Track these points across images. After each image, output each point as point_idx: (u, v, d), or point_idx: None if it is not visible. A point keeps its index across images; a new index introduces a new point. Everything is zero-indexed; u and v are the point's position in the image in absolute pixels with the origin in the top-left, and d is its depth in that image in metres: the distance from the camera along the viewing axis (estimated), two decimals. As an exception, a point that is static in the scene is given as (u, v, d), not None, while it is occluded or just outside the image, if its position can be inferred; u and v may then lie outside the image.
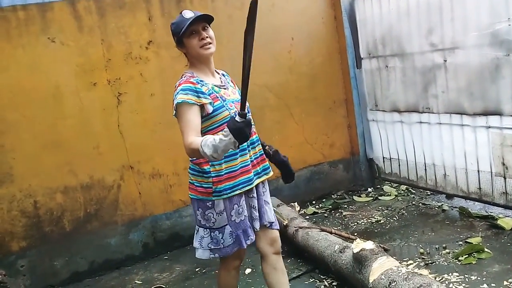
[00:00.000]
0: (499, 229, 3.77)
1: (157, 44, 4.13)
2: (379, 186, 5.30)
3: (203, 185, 2.34)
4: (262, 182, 2.50)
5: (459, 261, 3.35)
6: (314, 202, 5.06)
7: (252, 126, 2.32)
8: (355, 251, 2.92)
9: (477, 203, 4.26)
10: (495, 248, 3.46)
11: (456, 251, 3.48)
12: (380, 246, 3.38)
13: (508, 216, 3.93)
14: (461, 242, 3.64)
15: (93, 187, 3.97)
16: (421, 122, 4.48)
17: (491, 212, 4.08)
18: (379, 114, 5.03)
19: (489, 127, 3.82)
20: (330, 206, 4.88)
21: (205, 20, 2.30)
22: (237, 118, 1.95)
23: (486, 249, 3.41)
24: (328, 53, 5.11)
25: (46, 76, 3.76)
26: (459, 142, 4.12)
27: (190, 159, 2.37)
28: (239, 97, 2.28)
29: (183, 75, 2.33)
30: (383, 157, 5.13)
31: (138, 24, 4.05)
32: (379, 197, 4.98)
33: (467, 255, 3.38)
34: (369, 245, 2.93)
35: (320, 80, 5.04)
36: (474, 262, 3.30)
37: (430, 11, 4.08)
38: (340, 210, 4.78)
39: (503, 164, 3.77)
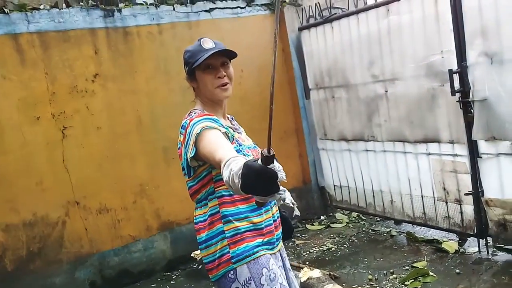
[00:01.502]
0: (443, 253, 3.89)
1: (103, 77, 4.11)
2: (331, 213, 5.38)
3: (217, 255, 1.83)
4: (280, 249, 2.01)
5: (405, 285, 3.43)
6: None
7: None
8: (302, 280, 2.95)
9: (423, 227, 4.39)
10: (440, 272, 3.56)
11: (403, 276, 3.56)
12: (328, 274, 3.43)
13: (451, 240, 4.06)
14: (407, 267, 3.73)
15: (36, 224, 3.82)
16: (367, 150, 4.63)
17: (436, 236, 4.20)
18: (328, 143, 5.15)
19: (430, 153, 3.98)
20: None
21: (227, 55, 1.91)
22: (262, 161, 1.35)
23: (431, 273, 3.52)
24: (278, 84, 5.22)
25: (-14, 111, 3.65)
26: (403, 168, 4.27)
27: (196, 228, 1.90)
28: (253, 144, 2.00)
29: (191, 112, 1.91)
30: (334, 185, 5.23)
31: (84, 57, 4.03)
32: (331, 225, 5.05)
33: (413, 280, 3.47)
34: (316, 273, 2.96)
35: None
36: (419, 287, 3.39)
37: (370, 44, 4.27)
38: (293, 239, 4.80)
39: (444, 189, 3.93)
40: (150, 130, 4.29)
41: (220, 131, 1.78)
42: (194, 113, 1.88)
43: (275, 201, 1.38)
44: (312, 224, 5.15)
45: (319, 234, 4.84)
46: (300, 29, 5.18)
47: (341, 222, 5.07)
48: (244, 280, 1.79)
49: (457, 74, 3.50)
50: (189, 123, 1.81)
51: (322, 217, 5.33)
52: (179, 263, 4.43)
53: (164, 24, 4.44)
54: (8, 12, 3.74)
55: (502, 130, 3.33)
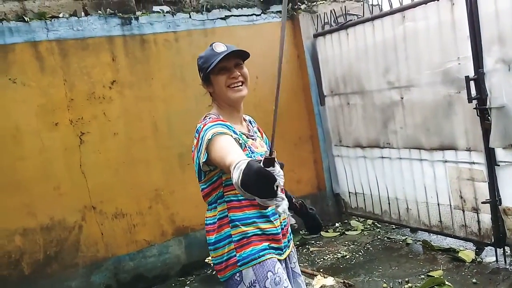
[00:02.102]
0: (460, 262, 3.84)
1: (121, 84, 4.17)
2: (346, 220, 5.34)
3: (225, 257, 1.87)
4: (289, 255, 2.05)
5: (420, 295, 3.38)
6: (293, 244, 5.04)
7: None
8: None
9: (439, 236, 4.33)
10: (456, 281, 3.51)
11: (418, 285, 3.51)
12: (343, 282, 3.41)
13: (468, 249, 4.00)
14: (423, 276, 3.68)
15: (53, 229, 3.88)
16: (382, 157, 4.59)
17: (452, 245, 4.15)
18: (343, 150, 5.13)
19: (446, 161, 3.94)
20: (298, 242, 4.88)
21: (240, 56, 1.94)
22: (264, 163, 1.37)
23: (447, 282, 3.46)
24: (292, 90, 5.23)
25: (5, 117, 3.73)
26: (419, 176, 4.23)
27: (206, 230, 1.94)
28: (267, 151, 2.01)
29: (206, 116, 1.94)
30: (349, 192, 5.20)
31: (102, 64, 4.09)
32: (346, 232, 5.02)
33: (428, 289, 3.42)
34: (330, 281, 2.95)
35: (285, 117, 5.13)
36: (435, 296, 3.34)
37: (386, 51, 4.26)
38: (307, 246, 4.78)
39: (461, 197, 3.87)
40: (165, 136, 4.33)
41: (232, 136, 1.79)
42: (209, 118, 1.91)
43: (273, 208, 1.38)
44: (327, 231, 5.13)
45: (334, 241, 4.81)
46: (315, 35, 5.18)
47: (356, 230, 5.04)
48: (249, 283, 1.83)
49: (474, 81, 3.46)
50: (203, 128, 1.84)
51: (336, 224, 5.30)
52: (194, 268, 4.45)
53: (180, 32, 4.50)
54: (28, 20, 3.82)
55: (520, 138, 3.28)
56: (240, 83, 1.92)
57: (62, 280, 3.91)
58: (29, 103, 3.82)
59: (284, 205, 1.41)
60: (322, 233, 5.08)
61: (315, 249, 4.67)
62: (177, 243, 4.40)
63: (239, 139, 1.87)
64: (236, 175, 1.45)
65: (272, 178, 1.34)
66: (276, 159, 1.41)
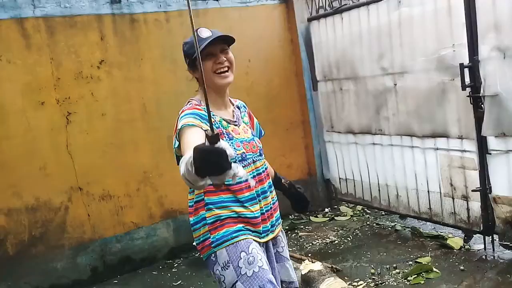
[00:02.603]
0: (448, 249, 3.84)
1: (109, 64, 4.08)
2: (336, 206, 5.34)
3: (201, 239, 1.92)
4: (274, 239, 2.04)
5: (408, 281, 3.39)
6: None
7: (264, 168, 2.00)
8: (303, 272, 2.92)
9: (428, 223, 4.34)
10: (444, 268, 3.52)
11: (406, 271, 3.52)
12: (330, 266, 3.40)
13: (457, 236, 4.01)
14: (411, 262, 3.69)
15: (39, 209, 3.82)
16: (374, 144, 4.57)
17: (441, 232, 4.16)
18: (335, 136, 5.10)
19: (437, 149, 3.92)
20: (287, 227, 4.87)
21: (225, 41, 1.94)
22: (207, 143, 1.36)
23: (434, 269, 3.47)
24: (285, 75, 5.17)
25: (-10, 95, 3.64)
26: (410, 163, 4.21)
27: (188, 211, 1.96)
28: (252, 136, 2.02)
29: (188, 101, 1.98)
30: (340, 178, 5.19)
31: (90, 43, 4.00)
32: (335, 218, 5.01)
33: (416, 275, 3.43)
34: (317, 266, 2.93)
35: (277, 102, 5.08)
36: (422, 282, 3.35)
37: (380, 37, 4.20)
38: (296, 231, 4.77)
39: (451, 185, 3.87)
40: (155, 118, 4.26)
41: (202, 128, 1.78)
42: (189, 104, 1.95)
43: (231, 179, 1.36)
44: (316, 216, 5.12)
45: (323, 227, 4.81)
46: (310, 20, 5.11)
47: (346, 215, 5.04)
48: (223, 263, 1.86)
49: (468, 68, 3.42)
50: (180, 114, 1.89)
51: (326, 210, 5.29)
52: (181, 251, 4.43)
53: (172, 12, 4.40)
54: (15, -5, 3.71)
55: (512, 127, 3.26)
56: (226, 68, 1.93)
57: (48, 261, 3.87)
58: (14, 81, 3.72)
59: (240, 168, 1.39)
60: (312, 218, 5.08)
61: (304, 234, 4.67)
62: (165, 226, 4.37)
63: (219, 127, 1.89)
64: (182, 168, 1.43)
65: (224, 152, 1.31)
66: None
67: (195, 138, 1.72)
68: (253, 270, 1.83)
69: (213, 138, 1.32)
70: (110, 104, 4.09)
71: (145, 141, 4.24)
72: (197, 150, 1.34)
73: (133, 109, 4.20)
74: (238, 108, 2.10)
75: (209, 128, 1.68)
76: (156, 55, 4.28)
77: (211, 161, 1.32)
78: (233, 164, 1.35)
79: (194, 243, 1.97)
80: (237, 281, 1.83)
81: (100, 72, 4.05)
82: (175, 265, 4.28)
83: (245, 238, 1.87)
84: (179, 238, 4.42)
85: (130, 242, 4.21)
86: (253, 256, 1.85)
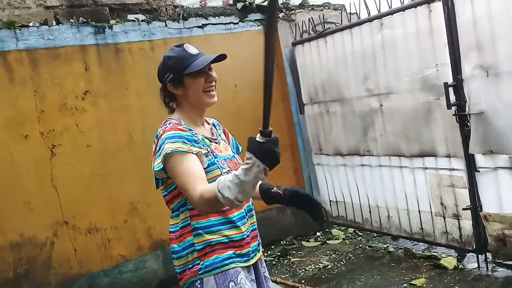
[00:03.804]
0: (442, 269, 3.81)
1: (94, 94, 4.04)
2: (327, 229, 5.28)
3: (189, 265, 1.82)
4: (259, 259, 2.00)
5: (404, 304, 3.33)
6: (262, 249, 4.93)
7: None
8: (297, 301, 2.84)
9: (421, 243, 4.30)
10: (439, 289, 3.47)
11: (401, 294, 3.46)
12: (325, 294, 3.32)
13: (450, 256, 3.98)
14: (406, 285, 3.64)
15: (23, 246, 3.71)
16: (363, 165, 4.56)
17: (434, 252, 4.12)
18: (323, 158, 5.08)
19: (426, 168, 3.92)
20: (279, 253, 4.80)
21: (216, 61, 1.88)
22: (258, 138, 1.47)
23: (430, 291, 3.42)
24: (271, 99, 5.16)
25: (-28, 130, 3.58)
26: (399, 183, 4.20)
27: (170, 237, 1.88)
28: (233, 153, 1.97)
29: (167, 121, 1.89)
30: (330, 201, 5.15)
31: (74, 74, 3.97)
32: (328, 241, 4.96)
33: (411, 298, 3.37)
34: (312, 294, 2.86)
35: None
36: (418, 305, 3.29)
37: (365, 59, 4.24)
38: (288, 257, 4.70)
39: (442, 204, 3.85)
40: (141, 147, 4.20)
41: (193, 152, 1.75)
42: (169, 123, 1.86)
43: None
44: (308, 241, 5.05)
45: (315, 251, 4.75)
46: (294, 44, 5.15)
47: (338, 238, 4.98)
48: None
49: (453, 87, 3.45)
50: (162, 134, 1.80)
51: (318, 234, 5.23)
52: (172, 282, 4.29)
53: (156, 41, 4.40)
54: (-4, 29, 3.68)
55: (499, 143, 3.27)
56: (213, 88, 1.89)
57: (34, 299, 3.74)
58: (-4, 115, 3.66)
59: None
60: (303, 242, 5.01)
61: (296, 259, 4.60)
62: (154, 258, 4.27)
63: (201, 149, 1.81)
64: (231, 193, 1.52)
65: (276, 140, 1.49)
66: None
67: (193, 166, 1.72)
68: None
69: (267, 133, 1.47)
70: (95, 135, 4.03)
71: (132, 171, 4.17)
72: (259, 144, 1.46)
73: (119, 139, 4.15)
74: (214, 126, 2.06)
75: (199, 150, 1.78)
76: (141, 84, 4.26)
77: (277, 154, 1.48)
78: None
79: (178, 273, 1.87)
80: None
81: (85, 103, 4.00)
82: (166, 297, 4.17)
83: (235, 267, 1.81)
84: (169, 270, 4.30)
85: (118, 276, 4.09)
86: (240, 287, 1.80)
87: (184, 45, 1.87)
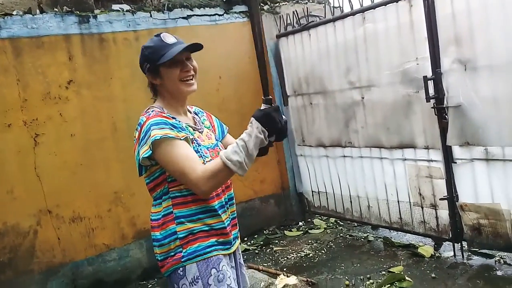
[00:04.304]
0: (419, 257, 3.92)
1: (78, 84, 4.03)
2: (309, 219, 5.38)
3: (171, 253, 1.84)
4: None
5: (381, 291, 3.43)
6: (246, 239, 5.02)
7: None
8: (278, 287, 2.91)
9: (399, 232, 4.42)
10: (416, 276, 3.58)
11: (380, 281, 3.56)
12: (305, 280, 3.42)
13: (427, 244, 4.10)
14: (384, 272, 3.74)
15: (6, 234, 3.70)
16: (344, 156, 4.65)
17: (412, 241, 4.24)
18: (306, 149, 5.16)
19: (405, 159, 4.02)
20: (262, 242, 4.87)
21: (190, 49, 1.89)
22: (262, 107, 1.68)
23: (407, 278, 3.53)
24: (256, 91, 5.18)
25: (-46, 118, 3.55)
26: (380, 174, 4.30)
27: (151, 225, 1.90)
28: (216, 142, 1.99)
29: (149, 108, 1.89)
30: (312, 191, 5.24)
31: (58, 63, 3.95)
32: (309, 231, 5.05)
33: (389, 285, 3.47)
34: (292, 280, 2.95)
35: (248, 118, 5.09)
36: (395, 291, 3.39)
37: (347, 52, 4.31)
38: (271, 246, 4.77)
39: (420, 194, 3.96)
40: (125, 137, 4.20)
41: (181, 138, 1.77)
42: (152, 111, 1.86)
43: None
44: (290, 230, 5.14)
45: (297, 240, 4.83)
46: (278, 36, 5.20)
47: (319, 228, 5.07)
48: (192, 278, 1.81)
49: (432, 80, 3.55)
50: (146, 121, 1.80)
51: (300, 223, 5.32)
52: (155, 271, 4.34)
53: (141, 31, 4.40)
54: (-21, 17, 3.65)
55: (475, 136, 3.38)
56: (191, 77, 1.89)
57: (17, 287, 3.75)
58: (-21, 103, 3.64)
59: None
60: (286, 232, 5.10)
61: (278, 248, 4.68)
62: (138, 246, 4.30)
63: (188, 135, 1.83)
64: (238, 157, 1.67)
65: (277, 107, 1.71)
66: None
67: (186, 150, 1.76)
68: None
69: (268, 100, 1.70)
70: (79, 124, 4.03)
71: (116, 160, 4.19)
72: (260, 110, 1.66)
73: (103, 129, 4.16)
74: (196, 114, 2.07)
75: (186, 135, 1.82)
76: (126, 74, 4.26)
77: (276, 119, 1.67)
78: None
79: (159, 260, 1.89)
80: None
81: (69, 92, 4.00)
82: (149, 286, 4.21)
83: (217, 255, 1.85)
84: (153, 259, 4.28)
85: (102, 265, 4.12)
86: (223, 274, 1.83)
87: (162, 35, 1.87)
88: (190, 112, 2.04)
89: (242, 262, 2.12)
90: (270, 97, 1.65)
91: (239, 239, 2.05)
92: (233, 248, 1.95)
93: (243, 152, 1.64)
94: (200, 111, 2.13)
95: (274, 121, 1.64)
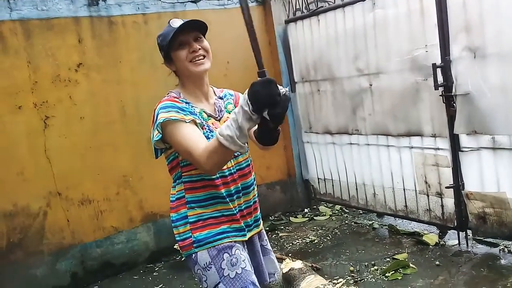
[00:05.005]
0: (424, 245, 3.94)
1: (87, 67, 4.06)
2: (315, 206, 5.41)
3: (182, 236, 1.87)
4: (257, 234, 2.04)
5: (386, 277, 3.47)
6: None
7: (247, 163, 1.95)
8: (284, 271, 2.95)
9: (404, 220, 4.44)
10: (420, 264, 3.61)
11: (384, 267, 3.60)
12: (311, 265, 3.46)
13: (432, 232, 4.12)
14: (388, 259, 3.77)
15: (16, 215, 3.77)
16: (351, 144, 4.65)
17: (416, 229, 4.26)
18: (313, 136, 5.17)
19: (412, 147, 4.02)
20: (268, 228, 4.91)
21: (197, 28, 1.88)
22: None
23: (411, 265, 3.56)
24: (263, 77, 5.20)
25: (-35, 99, 3.59)
26: (386, 162, 4.31)
27: (170, 206, 1.93)
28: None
29: (168, 93, 1.92)
30: (318, 178, 5.26)
31: (67, 46, 3.97)
32: (315, 218, 5.08)
33: (393, 271, 3.51)
34: (298, 264, 2.98)
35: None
36: (400, 278, 3.43)
37: (356, 39, 4.29)
38: (276, 232, 4.82)
39: (426, 182, 3.97)
40: (134, 120, 4.25)
41: (186, 121, 1.78)
42: (167, 96, 1.90)
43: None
44: (296, 217, 5.18)
45: (303, 227, 4.87)
46: (287, 22, 5.17)
47: (325, 215, 5.11)
48: (204, 264, 1.84)
49: (441, 68, 3.53)
50: (157, 105, 1.85)
51: (306, 210, 5.35)
52: (162, 255, 4.42)
53: (150, 14, 4.40)
54: (-11, -1, 3.66)
55: (483, 124, 3.37)
56: (201, 57, 1.87)
57: (27, 268, 3.82)
58: (-10, 85, 3.67)
59: (283, 88, 1.57)
60: (291, 218, 5.13)
61: (284, 234, 4.72)
62: (145, 230, 4.36)
63: (196, 119, 1.83)
64: (230, 131, 1.57)
65: (271, 79, 1.52)
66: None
67: (190, 130, 1.76)
68: (236, 272, 1.82)
69: (261, 73, 1.56)
70: (88, 107, 4.07)
71: (125, 144, 4.22)
72: (251, 84, 1.52)
73: (112, 112, 4.19)
74: (221, 98, 2.02)
75: (192, 118, 1.80)
76: (134, 57, 4.27)
77: (261, 91, 1.50)
78: (279, 87, 1.54)
79: (176, 241, 1.93)
80: (219, 282, 1.81)
81: (78, 75, 4.02)
82: (156, 269, 4.27)
83: (229, 242, 1.85)
84: (160, 242, 4.41)
85: (110, 247, 4.18)
86: (236, 258, 1.84)
87: (171, 21, 1.87)
88: (216, 95, 2.01)
89: (269, 247, 2.12)
90: (264, 69, 1.55)
91: (260, 227, 2.04)
92: (249, 235, 1.94)
93: (233, 126, 1.56)
94: (228, 93, 2.09)
95: (258, 93, 1.49)
